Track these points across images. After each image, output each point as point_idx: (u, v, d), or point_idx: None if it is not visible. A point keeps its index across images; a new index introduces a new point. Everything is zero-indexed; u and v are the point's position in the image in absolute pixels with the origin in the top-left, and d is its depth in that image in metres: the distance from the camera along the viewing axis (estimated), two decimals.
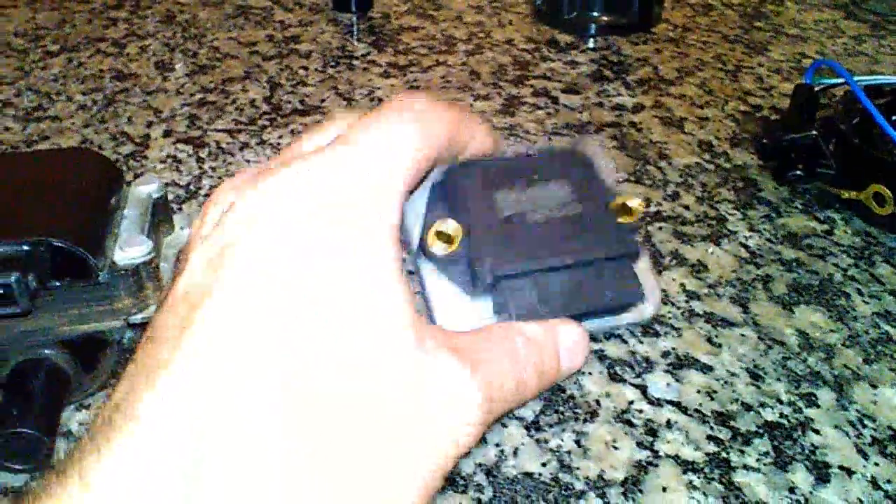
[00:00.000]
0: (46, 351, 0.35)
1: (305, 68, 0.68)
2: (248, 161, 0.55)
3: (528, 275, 0.28)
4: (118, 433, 0.20)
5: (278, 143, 0.57)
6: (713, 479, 0.34)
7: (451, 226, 0.28)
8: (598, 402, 0.37)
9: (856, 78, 0.50)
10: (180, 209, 0.50)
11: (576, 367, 0.29)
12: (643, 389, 0.38)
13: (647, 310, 0.31)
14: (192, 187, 0.52)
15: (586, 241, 0.29)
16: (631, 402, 0.37)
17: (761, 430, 0.36)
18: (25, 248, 0.33)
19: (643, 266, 0.30)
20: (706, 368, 0.39)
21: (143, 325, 0.39)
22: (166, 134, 0.58)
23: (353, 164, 0.24)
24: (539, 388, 0.28)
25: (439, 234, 0.28)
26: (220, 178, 0.53)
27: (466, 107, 0.29)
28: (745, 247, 0.48)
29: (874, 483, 0.34)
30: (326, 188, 0.24)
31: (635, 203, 0.29)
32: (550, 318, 0.28)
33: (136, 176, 0.49)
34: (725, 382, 0.38)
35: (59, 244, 0.34)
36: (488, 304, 0.29)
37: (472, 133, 0.29)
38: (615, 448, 0.35)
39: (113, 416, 0.21)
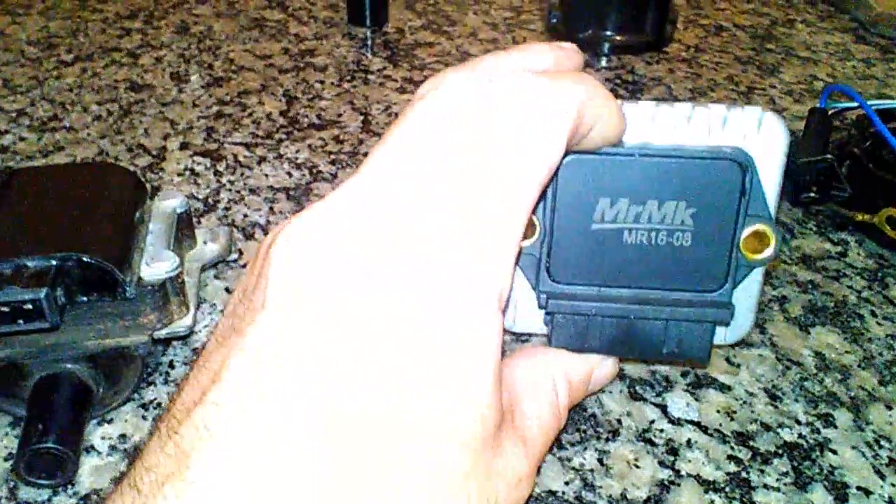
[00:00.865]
0: (70, 365, 0.35)
1: (321, 82, 0.68)
2: (266, 175, 0.56)
3: (587, 316, 0.25)
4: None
5: (296, 158, 0.58)
6: (734, 498, 0.34)
7: (535, 218, 0.25)
8: (619, 420, 0.37)
9: (868, 102, 0.51)
10: (199, 223, 0.51)
11: (594, 392, 0.29)
12: (664, 409, 0.38)
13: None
14: (210, 201, 0.53)
15: (680, 283, 0.25)
16: (652, 422, 0.37)
17: (780, 451, 0.36)
18: (54, 263, 0.34)
19: (749, 298, 0.26)
20: (725, 388, 0.40)
21: (166, 341, 0.40)
22: (183, 146, 0.59)
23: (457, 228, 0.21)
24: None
25: None
26: (238, 191, 0.54)
27: (593, 78, 0.25)
28: None
29: (892, 503, 0.35)
30: (423, 261, 0.21)
31: (772, 234, 0.25)
32: (594, 352, 0.26)
33: (154, 188, 0.49)
34: (744, 402, 0.39)
35: (88, 260, 0.34)
36: (541, 313, 0.26)
37: (599, 115, 0.23)
38: (637, 467, 0.35)
39: (184, 475, 0.20)
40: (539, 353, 0.27)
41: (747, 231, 0.25)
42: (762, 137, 0.25)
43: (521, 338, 0.40)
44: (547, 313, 0.26)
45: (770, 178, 0.26)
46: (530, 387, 0.26)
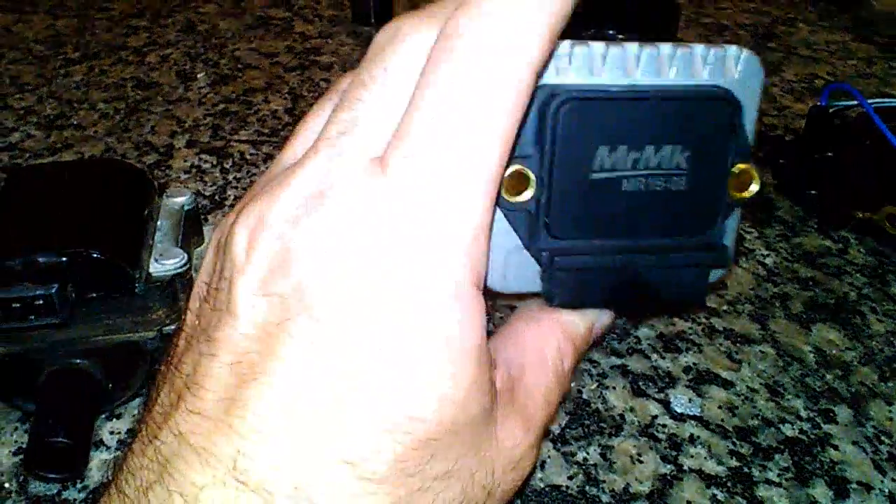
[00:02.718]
0: (80, 361, 0.36)
1: (326, 80, 0.69)
2: None
3: (589, 269, 0.25)
4: None
5: None
6: (736, 493, 0.35)
7: (528, 170, 0.24)
8: (622, 416, 0.38)
9: (869, 100, 0.51)
10: (206, 219, 0.51)
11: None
12: (666, 404, 0.39)
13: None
14: (217, 198, 0.53)
15: (676, 228, 0.25)
16: (654, 417, 0.38)
17: (782, 446, 0.37)
18: (64, 259, 0.34)
19: (730, 237, 0.26)
20: (727, 384, 0.40)
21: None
22: (189, 144, 0.59)
23: (416, 206, 0.21)
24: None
25: (511, 179, 0.24)
26: (244, 189, 0.54)
27: None
28: (763, 265, 0.49)
29: (892, 498, 0.35)
30: (390, 248, 0.21)
31: (756, 181, 0.25)
32: (595, 307, 0.26)
33: (161, 185, 0.50)
34: (746, 398, 0.39)
35: (98, 256, 0.34)
36: (537, 269, 0.25)
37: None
38: (640, 462, 0.36)
39: (167, 483, 0.21)
40: (542, 317, 0.26)
41: (734, 171, 0.25)
42: (742, 76, 0.25)
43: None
44: (545, 271, 0.25)
45: (751, 116, 0.25)
46: (535, 357, 0.26)
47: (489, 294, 0.25)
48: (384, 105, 0.23)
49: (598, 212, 0.24)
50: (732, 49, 0.25)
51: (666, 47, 0.24)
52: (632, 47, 0.24)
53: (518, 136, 0.22)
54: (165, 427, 0.22)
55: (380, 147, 0.22)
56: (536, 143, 0.24)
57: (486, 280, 0.24)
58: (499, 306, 0.42)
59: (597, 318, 0.27)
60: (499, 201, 0.24)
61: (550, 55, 0.23)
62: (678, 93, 0.24)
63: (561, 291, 0.25)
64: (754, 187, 0.25)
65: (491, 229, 0.23)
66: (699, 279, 0.25)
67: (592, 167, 0.24)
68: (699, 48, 0.25)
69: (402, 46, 0.23)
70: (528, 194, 0.24)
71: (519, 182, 0.23)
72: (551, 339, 0.26)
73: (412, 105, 0.22)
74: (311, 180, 0.22)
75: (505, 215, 0.24)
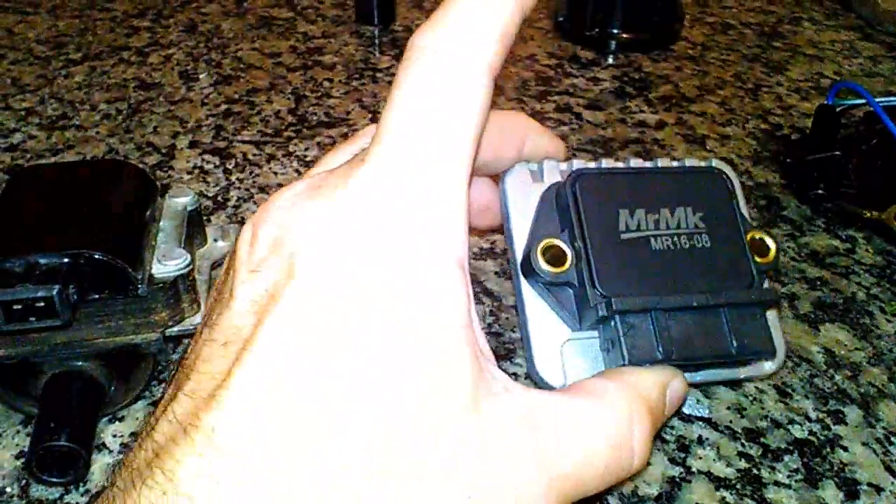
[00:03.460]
0: (82, 363, 0.35)
1: (330, 80, 0.69)
2: (275, 174, 0.56)
3: (648, 312, 0.24)
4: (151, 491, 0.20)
5: (305, 156, 0.58)
6: (745, 495, 0.34)
7: (562, 244, 0.25)
8: None
9: (876, 99, 0.51)
10: (209, 220, 0.51)
11: (669, 417, 0.27)
12: None
13: (768, 366, 0.27)
14: (220, 198, 0.53)
15: (718, 281, 0.25)
16: None
17: (791, 447, 0.37)
18: (66, 260, 0.34)
19: (771, 317, 0.27)
20: (735, 385, 0.40)
21: (178, 338, 0.40)
22: (192, 145, 0.59)
23: (396, 188, 0.22)
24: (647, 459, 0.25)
25: (547, 252, 0.25)
26: (247, 189, 0.54)
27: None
28: None
29: None
30: (373, 223, 0.22)
31: (772, 242, 0.26)
32: (665, 363, 0.25)
33: (164, 186, 0.49)
34: (754, 399, 0.39)
35: (101, 257, 0.34)
36: (594, 340, 0.25)
37: (520, 131, 0.26)
38: (648, 463, 0.35)
39: (153, 463, 0.21)
40: (623, 374, 0.25)
41: (748, 237, 0.26)
42: (720, 170, 0.28)
43: None
44: (607, 326, 0.25)
45: (739, 200, 0.28)
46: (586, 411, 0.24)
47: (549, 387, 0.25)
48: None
49: (638, 269, 0.25)
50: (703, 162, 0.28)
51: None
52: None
53: (539, 221, 0.25)
54: (163, 417, 0.22)
55: None
56: (562, 223, 0.25)
57: (546, 377, 0.25)
58: (504, 307, 0.42)
59: (670, 379, 0.26)
60: (545, 277, 0.24)
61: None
62: (676, 168, 0.27)
63: (629, 345, 0.24)
64: (772, 247, 0.26)
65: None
66: (761, 325, 0.25)
67: (619, 228, 0.25)
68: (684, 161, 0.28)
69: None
70: (567, 265, 0.25)
71: (555, 257, 0.24)
72: (624, 392, 0.24)
73: (385, 107, 0.24)
74: (312, 179, 0.24)
75: (546, 298, 0.25)
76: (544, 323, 0.25)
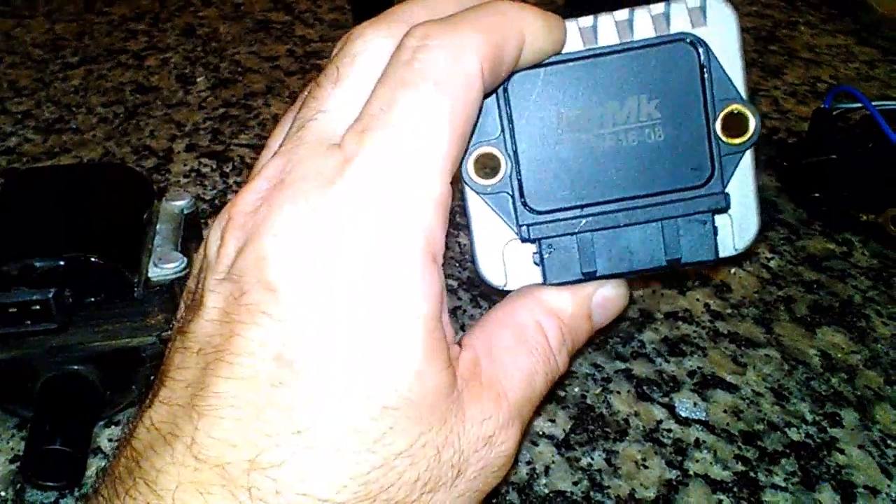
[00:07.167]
0: (77, 366, 0.35)
1: None
2: None
3: (573, 235, 0.24)
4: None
5: None
6: (742, 498, 0.34)
7: (498, 152, 0.24)
8: (627, 420, 0.37)
9: (872, 103, 0.51)
10: (206, 223, 0.51)
11: (606, 322, 0.27)
12: (671, 409, 0.38)
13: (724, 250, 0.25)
14: (216, 202, 0.53)
15: (665, 182, 0.23)
16: (659, 422, 0.37)
17: (788, 450, 0.36)
18: (62, 263, 0.34)
19: (746, 193, 0.24)
20: (732, 388, 0.40)
21: None
22: (189, 148, 0.59)
23: (366, 183, 0.22)
24: (567, 364, 0.26)
25: (479, 163, 0.24)
26: None
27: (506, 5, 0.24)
28: (767, 268, 0.48)
29: None
30: (342, 225, 0.22)
31: (752, 114, 0.23)
32: (588, 281, 0.24)
33: (161, 189, 0.49)
34: (751, 402, 0.39)
35: (97, 260, 0.34)
36: (531, 248, 0.24)
37: (521, 39, 0.23)
38: (645, 467, 0.35)
39: (134, 472, 0.21)
40: (520, 295, 0.25)
41: (723, 115, 0.24)
42: (711, 20, 0.24)
43: None
44: (532, 244, 0.24)
45: (731, 58, 0.24)
46: (511, 337, 0.25)
47: (496, 291, 0.25)
48: (339, 99, 0.24)
49: (574, 177, 0.23)
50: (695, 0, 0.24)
51: (623, 12, 0.24)
52: (587, 19, 0.24)
53: (478, 119, 0.23)
54: (140, 425, 0.22)
55: (338, 136, 0.23)
56: (500, 124, 0.24)
57: (488, 277, 0.24)
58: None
59: (594, 291, 0.26)
60: (478, 188, 0.24)
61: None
62: (634, 45, 0.24)
63: (550, 264, 0.24)
64: (752, 127, 0.23)
65: (472, 216, 0.23)
66: (704, 233, 0.23)
67: (556, 133, 0.23)
68: (659, 6, 0.24)
69: (354, 48, 0.24)
70: (500, 174, 0.24)
71: (489, 163, 0.23)
72: (527, 316, 0.25)
73: (370, 96, 0.23)
74: (272, 174, 0.23)
75: (487, 202, 0.24)
76: (487, 225, 0.24)
